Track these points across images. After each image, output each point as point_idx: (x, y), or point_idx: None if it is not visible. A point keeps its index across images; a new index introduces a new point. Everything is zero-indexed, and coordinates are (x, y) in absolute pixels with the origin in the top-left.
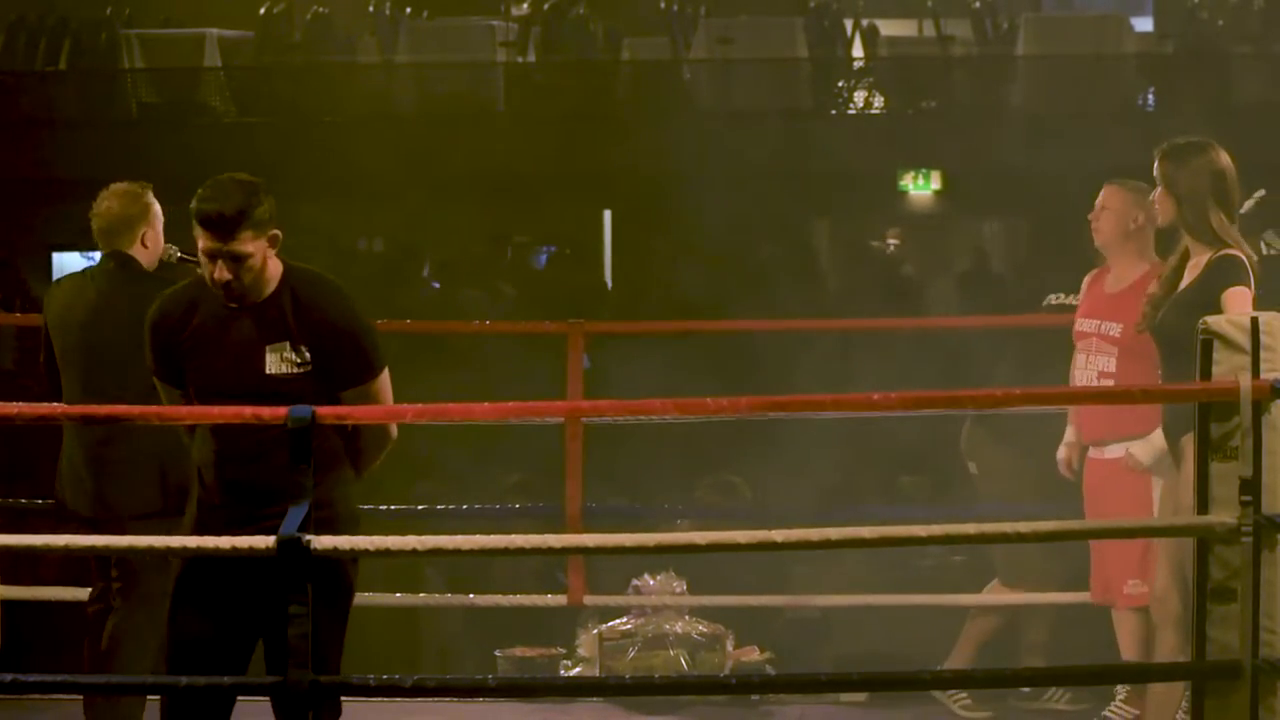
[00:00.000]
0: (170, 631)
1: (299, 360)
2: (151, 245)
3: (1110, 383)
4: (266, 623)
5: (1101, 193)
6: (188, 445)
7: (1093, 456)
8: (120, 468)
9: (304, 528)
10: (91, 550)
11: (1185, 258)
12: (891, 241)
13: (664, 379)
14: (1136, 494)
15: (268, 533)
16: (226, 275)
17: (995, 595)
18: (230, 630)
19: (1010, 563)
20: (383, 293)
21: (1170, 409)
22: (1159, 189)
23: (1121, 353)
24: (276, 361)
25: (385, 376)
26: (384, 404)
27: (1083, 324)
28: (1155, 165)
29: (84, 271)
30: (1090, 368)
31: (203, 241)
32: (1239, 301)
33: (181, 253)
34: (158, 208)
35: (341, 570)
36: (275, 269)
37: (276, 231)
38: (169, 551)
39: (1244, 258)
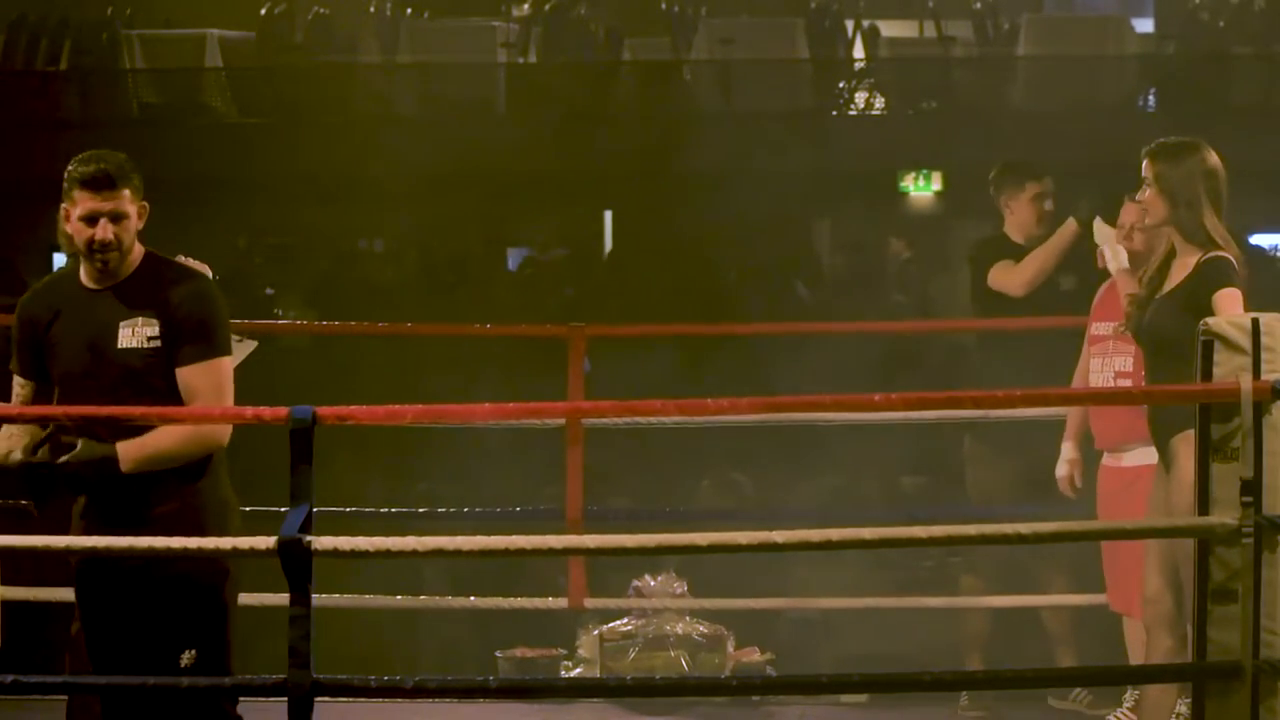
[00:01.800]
0: (86, 644)
1: (151, 334)
2: None
3: (1128, 382)
4: (144, 627)
5: (1124, 211)
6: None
7: (1108, 464)
8: None
9: (305, 528)
10: (92, 550)
11: (1170, 258)
12: (905, 255)
13: (665, 381)
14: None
15: (151, 532)
16: (109, 235)
17: (1000, 597)
18: (131, 635)
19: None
20: (382, 293)
21: (1159, 411)
22: (1150, 190)
23: (1139, 352)
24: (129, 336)
25: (226, 365)
26: (222, 391)
27: (1099, 328)
28: (1145, 165)
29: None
30: (1106, 369)
31: (84, 206)
32: (1230, 302)
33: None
34: None
35: (201, 580)
36: (138, 250)
37: (145, 203)
38: (170, 552)
39: (1232, 258)
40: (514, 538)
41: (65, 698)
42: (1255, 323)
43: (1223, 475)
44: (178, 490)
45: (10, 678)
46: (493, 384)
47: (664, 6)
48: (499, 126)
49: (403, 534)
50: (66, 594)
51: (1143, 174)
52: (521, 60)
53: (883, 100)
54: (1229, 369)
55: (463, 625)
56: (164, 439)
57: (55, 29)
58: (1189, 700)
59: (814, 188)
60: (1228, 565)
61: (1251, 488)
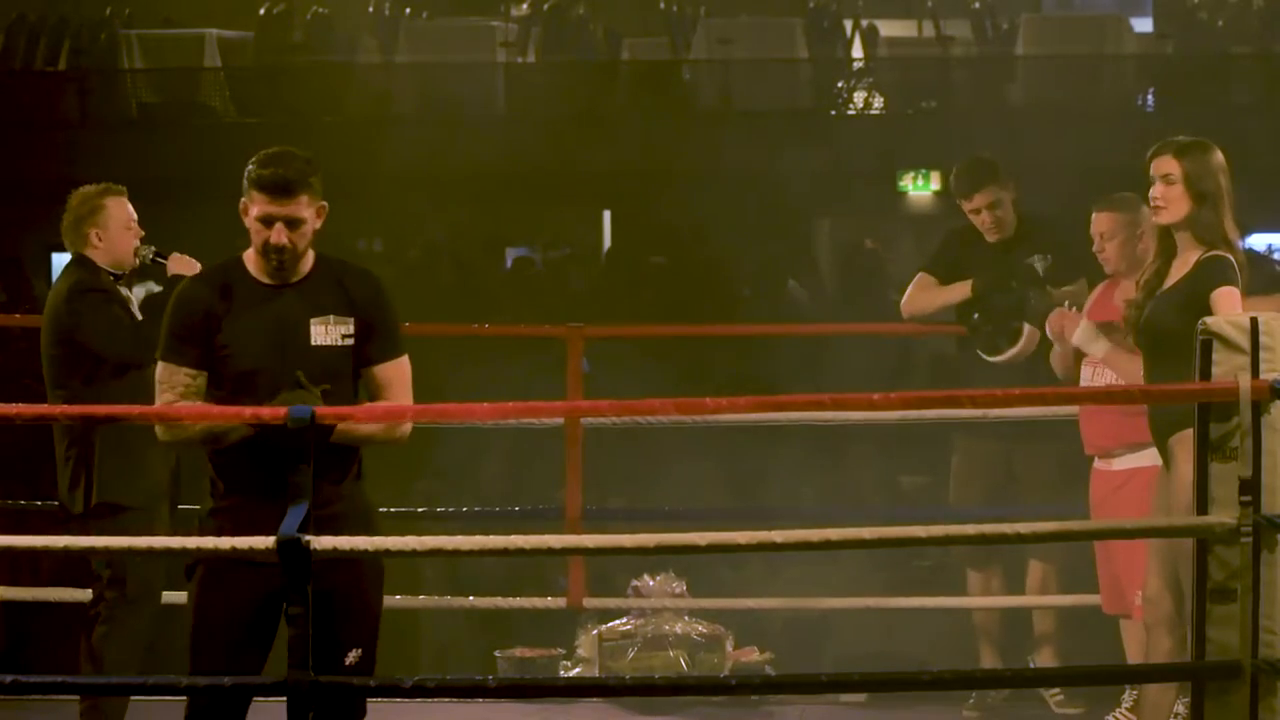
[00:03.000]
0: (196, 633)
1: (345, 332)
2: (105, 244)
3: None
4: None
5: (1094, 221)
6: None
7: (1099, 468)
8: (60, 469)
9: (304, 528)
10: (91, 550)
11: (1169, 259)
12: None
13: (663, 381)
14: (1144, 505)
15: (333, 531)
16: (284, 240)
17: (998, 598)
18: (253, 630)
19: None
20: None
21: (1158, 410)
22: (1175, 186)
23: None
24: (322, 334)
25: (407, 366)
26: (410, 387)
27: None
28: (1166, 161)
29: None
30: (1097, 379)
31: (260, 208)
32: (1228, 301)
33: (155, 254)
34: (116, 209)
35: (375, 581)
36: (309, 252)
37: (325, 203)
38: (169, 552)
39: (1232, 258)
40: (514, 537)
41: (63, 698)
42: (1254, 322)
43: (1221, 474)
44: (351, 490)
45: (10, 678)
46: (493, 383)
47: (663, 6)
48: (498, 126)
49: (402, 534)
50: (66, 594)
51: (1160, 171)
52: (520, 60)
53: (881, 100)
54: (1228, 368)
55: (462, 625)
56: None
57: (54, 29)
58: (1188, 700)
59: (813, 187)
60: (1227, 565)
61: (1250, 487)
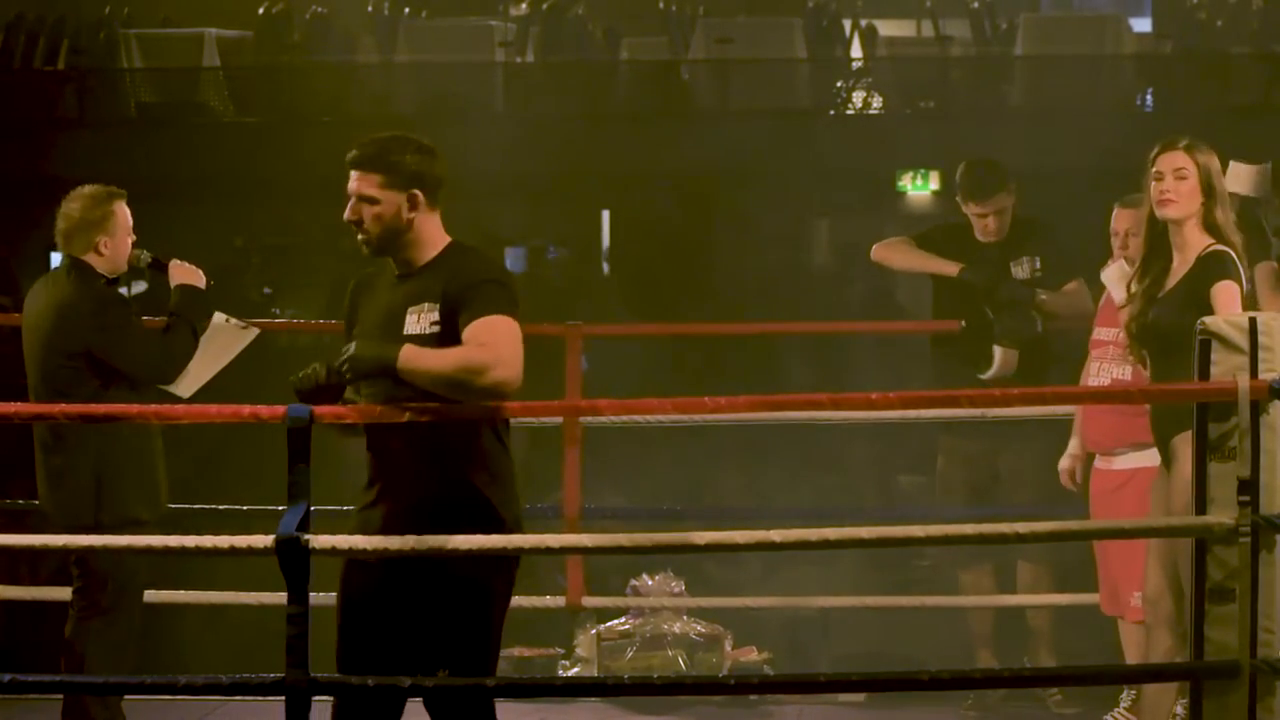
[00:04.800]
0: (340, 637)
1: (433, 320)
2: (109, 253)
3: None
4: (420, 627)
5: (1115, 217)
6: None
7: (1099, 467)
8: (57, 477)
9: (302, 527)
10: (90, 550)
11: (1165, 261)
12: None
13: (662, 381)
14: (1144, 506)
15: (409, 529)
16: (355, 215)
17: (996, 597)
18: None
19: None
20: None
21: (1161, 410)
22: (1186, 180)
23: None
24: (414, 322)
25: (504, 321)
26: (501, 339)
27: (1101, 333)
28: (1181, 156)
29: (48, 274)
30: (1103, 374)
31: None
32: (1227, 295)
33: (152, 259)
34: (122, 215)
35: (474, 572)
36: (438, 240)
37: (418, 191)
38: (167, 551)
39: (1233, 254)
40: (513, 536)
41: (58, 697)
42: (1253, 322)
43: (1220, 474)
44: (469, 484)
45: (9, 677)
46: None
47: (661, 6)
48: (496, 126)
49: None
50: (66, 594)
51: (1172, 166)
52: (519, 60)
53: (880, 99)
54: (1226, 368)
55: None
56: (439, 359)
57: (53, 28)
58: (1188, 701)
59: (811, 187)
60: (1225, 565)
61: (1249, 487)
